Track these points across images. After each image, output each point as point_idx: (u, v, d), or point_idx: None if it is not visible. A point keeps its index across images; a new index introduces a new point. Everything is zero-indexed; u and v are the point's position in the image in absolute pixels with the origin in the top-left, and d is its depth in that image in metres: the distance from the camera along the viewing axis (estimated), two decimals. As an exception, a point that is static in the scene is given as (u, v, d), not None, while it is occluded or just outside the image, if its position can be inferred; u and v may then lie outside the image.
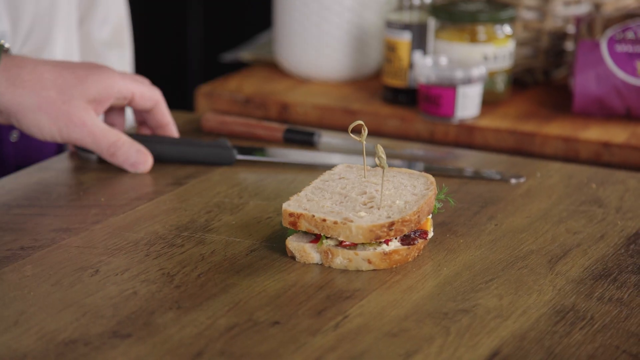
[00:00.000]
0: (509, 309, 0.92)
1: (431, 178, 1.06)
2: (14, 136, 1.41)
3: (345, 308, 0.92)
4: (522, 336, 0.88)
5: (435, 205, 1.04)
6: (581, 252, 1.04)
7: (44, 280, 0.95)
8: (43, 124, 1.15)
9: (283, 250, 1.02)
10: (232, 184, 1.19)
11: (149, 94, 1.24)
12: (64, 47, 1.47)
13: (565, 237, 1.07)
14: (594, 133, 1.53)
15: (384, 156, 1.01)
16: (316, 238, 1.00)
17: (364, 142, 1.04)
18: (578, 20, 1.66)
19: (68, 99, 1.16)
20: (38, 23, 1.44)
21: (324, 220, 0.98)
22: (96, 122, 1.18)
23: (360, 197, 1.02)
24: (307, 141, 1.33)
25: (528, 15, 1.72)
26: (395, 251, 0.99)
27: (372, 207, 1.00)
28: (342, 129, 1.55)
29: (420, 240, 1.01)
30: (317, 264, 1.00)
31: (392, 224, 0.98)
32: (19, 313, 0.90)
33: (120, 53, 1.63)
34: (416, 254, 1.01)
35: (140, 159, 1.20)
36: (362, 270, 0.99)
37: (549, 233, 1.08)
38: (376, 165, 1.02)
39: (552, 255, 1.03)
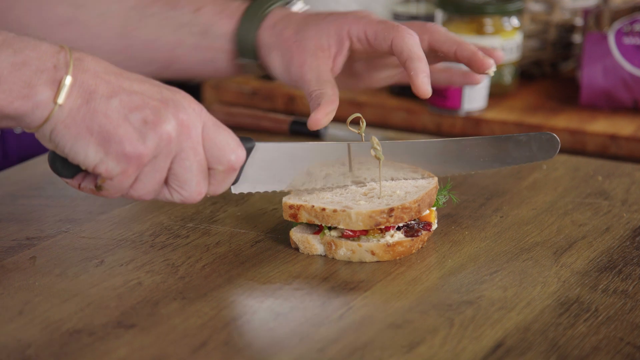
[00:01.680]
0: (513, 301, 0.92)
1: (434, 180, 1.05)
2: (18, 129, 1.41)
3: (349, 299, 0.92)
4: (526, 328, 0.88)
5: (438, 199, 1.04)
6: (586, 244, 1.04)
7: (49, 270, 0.96)
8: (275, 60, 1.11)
9: (288, 242, 1.02)
10: (238, 175, 1.19)
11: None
12: None
13: (570, 229, 1.07)
14: (601, 125, 1.53)
15: (379, 148, 1.01)
16: (319, 230, 1.00)
17: (363, 134, 1.04)
18: (586, 13, 1.65)
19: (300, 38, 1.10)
20: None
21: (324, 209, 0.98)
22: (313, 66, 1.08)
23: (360, 189, 1.02)
24: (313, 133, 1.33)
25: (536, 7, 1.72)
26: (398, 243, 0.99)
27: (372, 197, 1.01)
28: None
29: (423, 232, 1.01)
30: (321, 255, 1.00)
31: (391, 210, 0.98)
32: (24, 303, 0.90)
33: None
34: (420, 246, 1.01)
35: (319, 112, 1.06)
36: (365, 262, 0.99)
37: (554, 225, 1.08)
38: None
39: (557, 247, 1.03)
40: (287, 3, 1.13)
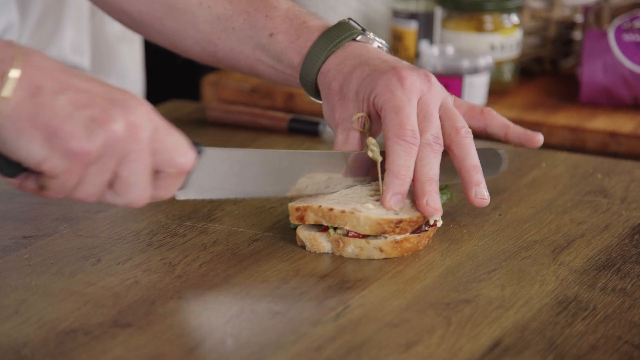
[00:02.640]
0: (511, 300, 0.92)
1: None
2: None
3: (347, 298, 0.92)
4: (524, 326, 0.88)
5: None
6: (585, 243, 1.03)
7: (45, 269, 0.95)
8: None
9: (285, 240, 1.02)
10: (236, 173, 1.19)
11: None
12: (73, 39, 1.47)
13: (569, 227, 1.07)
14: (601, 123, 1.52)
15: (376, 149, 1.00)
16: (324, 228, 1.00)
17: (368, 133, 1.04)
18: (586, 10, 1.65)
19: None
20: (47, 14, 1.44)
21: (331, 209, 0.98)
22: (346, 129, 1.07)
23: (366, 190, 1.02)
24: (311, 131, 1.33)
25: (536, 4, 1.72)
26: (406, 239, 0.99)
27: (378, 199, 1.00)
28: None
29: (429, 228, 1.01)
30: (328, 253, 1.00)
31: (400, 221, 0.97)
32: (20, 302, 0.90)
33: (130, 46, 1.63)
34: (426, 242, 1.01)
35: None
36: (365, 260, 0.98)
37: (553, 223, 1.08)
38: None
39: (555, 245, 1.03)
40: (354, 35, 1.10)
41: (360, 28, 1.11)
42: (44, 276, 0.94)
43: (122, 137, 0.85)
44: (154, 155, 0.88)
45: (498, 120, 1.09)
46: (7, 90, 0.83)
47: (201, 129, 1.34)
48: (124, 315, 0.88)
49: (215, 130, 1.34)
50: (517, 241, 1.03)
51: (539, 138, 1.08)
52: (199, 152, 0.92)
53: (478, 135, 1.07)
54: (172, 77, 2.30)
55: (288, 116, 1.34)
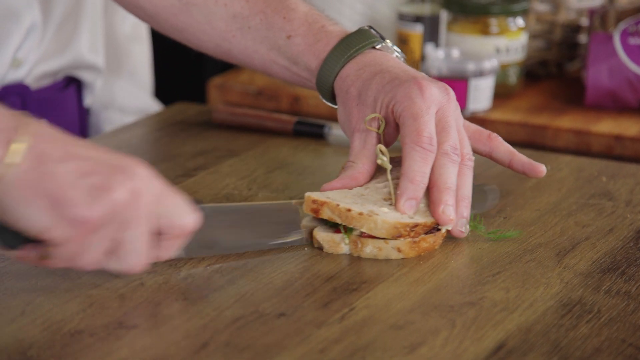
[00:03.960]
0: (516, 302, 0.92)
1: None
2: None
3: (351, 300, 0.92)
4: (528, 329, 0.88)
5: None
6: (590, 246, 1.04)
7: (51, 270, 0.95)
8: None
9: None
10: (241, 175, 1.19)
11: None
12: (89, 38, 1.47)
13: (574, 230, 1.07)
14: (606, 126, 1.52)
15: (385, 158, 1.01)
16: (336, 226, 1.00)
17: (382, 134, 1.04)
18: (591, 13, 1.65)
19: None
20: (69, 14, 1.44)
21: (349, 210, 0.98)
22: (362, 137, 1.06)
23: (380, 192, 1.02)
24: (317, 133, 1.33)
25: (541, 7, 1.72)
26: (423, 239, 0.99)
27: (391, 203, 1.01)
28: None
29: (443, 228, 1.01)
30: (346, 254, 1.00)
31: (415, 225, 0.98)
32: (26, 303, 0.90)
33: (140, 46, 1.64)
34: (440, 242, 1.02)
35: None
36: (370, 262, 0.99)
37: (557, 226, 1.08)
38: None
39: (560, 248, 1.03)
40: (374, 42, 1.10)
41: (379, 36, 1.11)
42: (49, 278, 0.94)
43: (124, 204, 0.85)
44: (156, 219, 0.88)
45: (504, 147, 1.09)
46: (13, 158, 0.83)
47: (207, 131, 1.35)
48: (129, 316, 0.88)
49: (221, 133, 1.34)
50: (521, 244, 1.04)
51: (542, 169, 1.08)
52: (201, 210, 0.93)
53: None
54: (179, 80, 2.31)
55: (293, 119, 1.35)
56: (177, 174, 1.20)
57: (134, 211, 0.86)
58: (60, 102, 1.46)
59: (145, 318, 0.88)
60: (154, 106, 1.62)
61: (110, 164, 0.86)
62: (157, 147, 1.34)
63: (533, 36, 1.71)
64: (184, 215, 0.90)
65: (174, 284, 0.94)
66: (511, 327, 0.88)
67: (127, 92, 1.60)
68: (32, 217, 0.84)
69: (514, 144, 1.50)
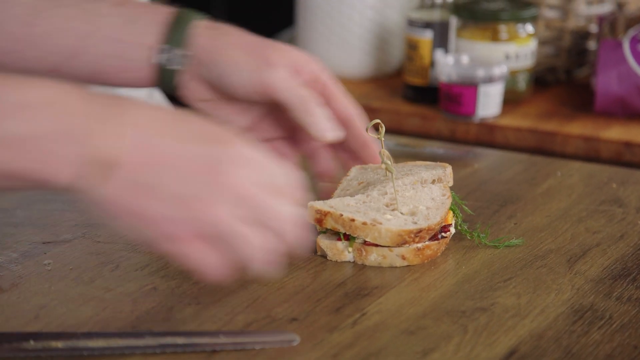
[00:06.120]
0: (527, 308, 0.92)
1: (448, 168, 1.07)
2: None
3: (363, 305, 0.92)
4: (540, 335, 0.88)
5: (453, 208, 1.04)
6: (600, 252, 1.04)
7: (64, 274, 0.96)
8: (240, 59, 1.05)
9: (303, 248, 1.02)
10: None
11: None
12: None
13: (584, 236, 1.07)
14: (616, 132, 1.53)
15: (389, 162, 1.01)
16: (334, 234, 1.00)
17: (382, 140, 1.04)
18: (600, 20, 1.65)
19: (268, 43, 1.08)
20: None
21: (353, 220, 0.98)
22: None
23: (382, 198, 1.02)
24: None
25: (550, 14, 1.72)
26: (427, 246, 1.00)
27: (394, 209, 1.01)
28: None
29: (446, 234, 1.02)
30: (350, 262, 1.00)
31: (419, 230, 0.98)
32: (40, 307, 0.90)
33: None
34: (443, 248, 1.02)
35: None
36: (382, 268, 0.99)
37: (568, 232, 1.08)
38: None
39: (571, 254, 1.03)
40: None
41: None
42: (63, 282, 0.95)
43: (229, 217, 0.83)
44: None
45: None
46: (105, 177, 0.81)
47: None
48: (142, 320, 0.89)
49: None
50: (532, 250, 1.04)
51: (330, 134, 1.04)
52: None
53: None
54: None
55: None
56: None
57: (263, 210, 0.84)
58: None
59: (158, 322, 0.88)
60: None
61: (208, 162, 0.83)
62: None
63: (542, 43, 1.72)
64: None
65: (187, 288, 0.94)
66: (523, 333, 0.88)
67: None
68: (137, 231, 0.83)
69: (523, 150, 1.51)
